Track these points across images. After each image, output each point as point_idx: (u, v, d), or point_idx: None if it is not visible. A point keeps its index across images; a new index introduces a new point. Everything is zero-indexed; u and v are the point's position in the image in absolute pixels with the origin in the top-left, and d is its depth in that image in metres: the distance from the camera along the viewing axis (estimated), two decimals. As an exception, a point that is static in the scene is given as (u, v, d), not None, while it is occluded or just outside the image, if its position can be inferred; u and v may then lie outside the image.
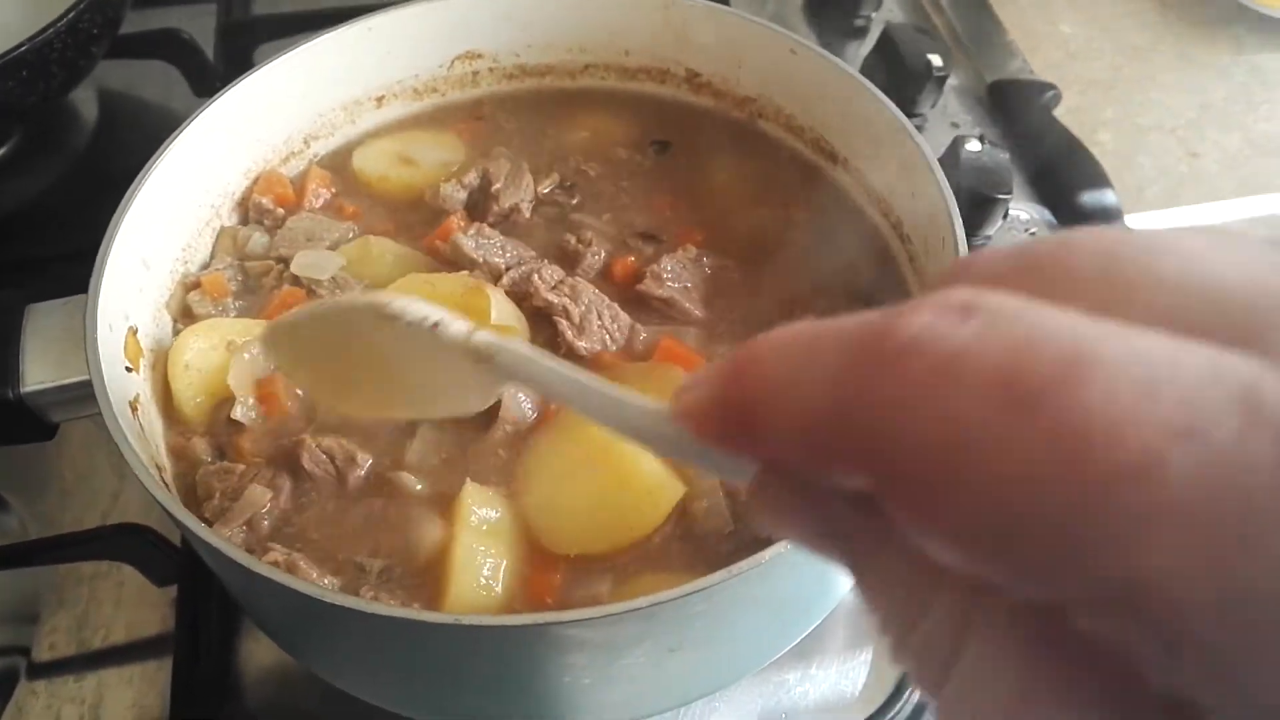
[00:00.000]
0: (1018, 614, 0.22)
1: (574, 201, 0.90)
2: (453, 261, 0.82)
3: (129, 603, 0.85)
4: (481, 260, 0.81)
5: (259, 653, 0.81)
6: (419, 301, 0.53)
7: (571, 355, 0.76)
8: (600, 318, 0.77)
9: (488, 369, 0.52)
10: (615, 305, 0.79)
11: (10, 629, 0.86)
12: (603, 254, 0.84)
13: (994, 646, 0.23)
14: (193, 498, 0.72)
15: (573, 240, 0.84)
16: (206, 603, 0.81)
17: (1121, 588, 0.19)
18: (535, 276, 0.79)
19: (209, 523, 0.68)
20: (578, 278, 0.80)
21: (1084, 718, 0.21)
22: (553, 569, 0.66)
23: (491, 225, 0.85)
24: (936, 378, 0.21)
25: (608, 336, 0.77)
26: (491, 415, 0.72)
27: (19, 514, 0.91)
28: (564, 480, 0.69)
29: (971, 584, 0.23)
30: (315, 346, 0.62)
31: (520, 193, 0.88)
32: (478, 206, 0.88)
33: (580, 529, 0.67)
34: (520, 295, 0.79)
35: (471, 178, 0.89)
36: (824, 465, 0.24)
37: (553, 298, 0.77)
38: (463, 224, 0.86)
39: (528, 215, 0.88)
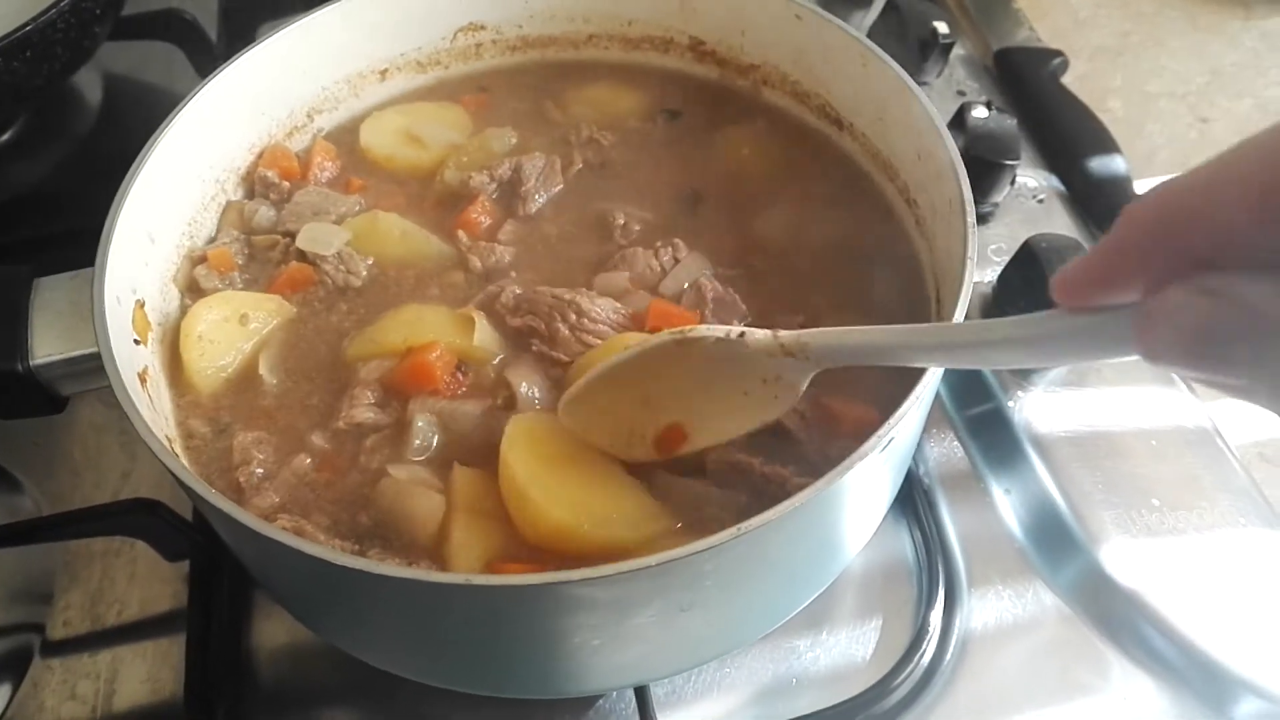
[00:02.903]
0: None
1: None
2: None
3: (141, 579, 0.86)
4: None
5: (271, 629, 0.82)
6: (710, 326, 0.60)
7: (558, 365, 0.74)
8: (565, 320, 0.74)
9: (801, 361, 0.57)
10: (584, 295, 0.76)
11: (24, 607, 0.86)
12: (638, 227, 0.84)
13: None
14: (214, 467, 0.72)
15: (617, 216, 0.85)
16: (218, 577, 0.82)
17: None
18: (497, 304, 0.77)
19: (243, 489, 0.69)
20: (538, 289, 0.77)
21: None
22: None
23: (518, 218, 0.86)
24: None
25: (586, 335, 0.74)
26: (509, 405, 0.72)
27: (32, 494, 0.92)
28: (552, 462, 0.66)
29: None
30: (611, 401, 0.65)
31: (550, 192, 0.88)
32: (506, 198, 0.88)
33: (550, 522, 0.64)
34: (498, 317, 0.77)
35: (505, 170, 0.88)
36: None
37: (516, 322, 0.76)
38: (482, 213, 0.86)
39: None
